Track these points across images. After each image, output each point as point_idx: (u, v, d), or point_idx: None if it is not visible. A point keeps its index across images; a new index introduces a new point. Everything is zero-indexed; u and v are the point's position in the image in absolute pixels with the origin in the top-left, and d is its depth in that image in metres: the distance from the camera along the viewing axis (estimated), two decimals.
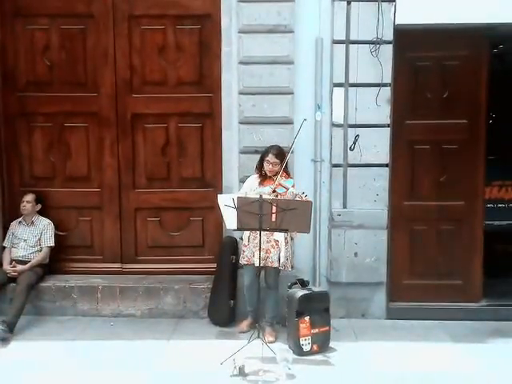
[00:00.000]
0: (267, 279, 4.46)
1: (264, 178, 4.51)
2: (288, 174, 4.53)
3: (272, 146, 4.53)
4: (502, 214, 6.46)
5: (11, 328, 4.51)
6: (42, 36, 5.15)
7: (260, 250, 4.24)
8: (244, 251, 4.55)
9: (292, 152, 4.52)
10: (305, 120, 4.52)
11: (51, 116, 5.23)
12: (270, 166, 4.44)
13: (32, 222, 5.09)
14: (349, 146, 4.81)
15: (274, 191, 4.34)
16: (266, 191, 4.33)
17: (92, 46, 5.14)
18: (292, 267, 4.55)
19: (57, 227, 5.20)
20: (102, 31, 5.11)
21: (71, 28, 5.14)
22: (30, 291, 4.82)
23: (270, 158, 4.43)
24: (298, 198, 4.25)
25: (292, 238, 4.53)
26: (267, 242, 4.37)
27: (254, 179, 4.57)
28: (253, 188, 4.49)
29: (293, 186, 4.41)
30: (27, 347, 4.37)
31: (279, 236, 4.36)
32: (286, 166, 4.48)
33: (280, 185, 4.37)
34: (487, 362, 4.12)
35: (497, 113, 6.32)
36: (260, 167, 4.53)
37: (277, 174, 4.41)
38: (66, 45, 5.15)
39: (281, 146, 4.55)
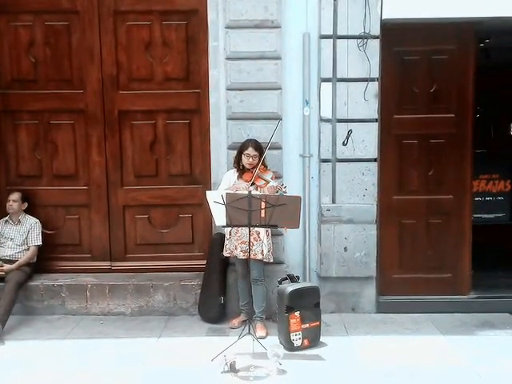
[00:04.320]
0: (252, 272, 4.47)
1: (242, 171, 4.54)
2: (266, 168, 4.55)
3: (250, 140, 4.58)
4: (490, 207, 6.53)
5: (1, 327, 4.46)
6: (26, 33, 5.09)
7: (249, 242, 4.26)
8: (226, 244, 4.60)
9: (271, 149, 4.54)
10: (279, 121, 4.65)
11: (37, 113, 5.18)
12: (250, 159, 4.47)
13: (19, 221, 5.04)
14: (342, 141, 4.81)
15: (252, 183, 4.38)
16: (244, 185, 4.41)
17: (77, 43, 5.09)
18: (273, 259, 4.61)
19: (44, 226, 5.16)
20: (87, 27, 5.06)
21: (56, 24, 5.08)
22: (19, 290, 4.77)
23: (250, 151, 4.47)
24: (278, 191, 4.27)
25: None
26: (250, 234, 4.37)
27: (232, 174, 4.61)
28: (232, 181, 4.53)
29: (272, 179, 4.44)
30: (17, 347, 4.33)
31: (260, 228, 4.37)
32: (264, 160, 4.51)
33: (259, 177, 4.41)
34: (476, 353, 4.15)
35: (484, 107, 6.37)
36: (238, 161, 4.56)
37: (255, 167, 4.44)
38: (50, 41, 5.10)
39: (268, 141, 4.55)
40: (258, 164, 4.46)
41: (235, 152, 4.65)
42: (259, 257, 4.47)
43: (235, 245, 4.53)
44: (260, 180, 4.45)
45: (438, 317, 4.85)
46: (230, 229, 4.49)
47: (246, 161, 4.50)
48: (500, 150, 6.61)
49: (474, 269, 5.16)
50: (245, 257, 4.45)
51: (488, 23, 4.77)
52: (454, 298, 5.05)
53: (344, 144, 4.81)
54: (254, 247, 4.43)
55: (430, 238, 5.09)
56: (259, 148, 4.50)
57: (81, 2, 5.03)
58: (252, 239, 4.36)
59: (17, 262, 4.91)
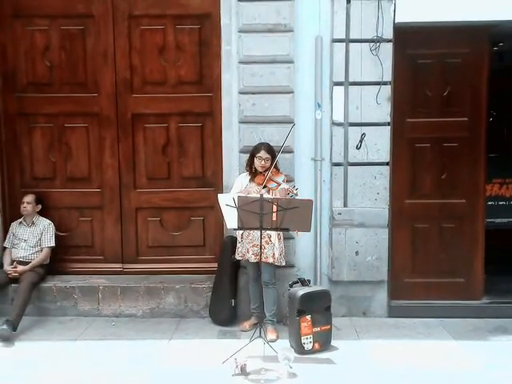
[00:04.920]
0: (263, 276, 4.48)
1: (254, 174, 4.55)
2: (278, 171, 4.56)
3: (262, 143, 4.61)
4: (503, 211, 6.46)
5: (15, 326, 4.51)
6: (41, 37, 5.16)
7: (260, 246, 4.28)
8: (238, 247, 4.62)
9: (283, 152, 4.54)
10: (294, 125, 4.65)
11: (52, 116, 5.24)
12: (263, 162, 4.48)
13: (32, 223, 5.09)
14: (354, 145, 4.80)
15: (264, 186, 4.39)
16: (256, 188, 4.42)
17: (92, 47, 5.15)
18: (285, 262, 4.61)
19: (57, 228, 5.20)
20: (102, 31, 5.12)
21: (71, 28, 5.15)
22: (32, 291, 4.82)
23: (262, 154, 4.48)
24: (289, 193, 4.27)
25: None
26: (261, 237, 4.37)
27: (244, 177, 4.63)
28: (244, 185, 4.55)
29: (284, 182, 4.45)
30: (30, 347, 4.38)
31: (271, 232, 4.37)
32: (277, 163, 4.52)
33: (271, 180, 4.42)
34: (489, 359, 4.12)
35: (497, 110, 6.31)
36: (250, 164, 4.57)
37: (267, 170, 4.45)
38: (65, 45, 5.16)
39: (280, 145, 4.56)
40: (270, 167, 4.47)
41: (247, 155, 4.67)
42: (270, 260, 4.48)
43: (247, 248, 4.54)
44: (272, 183, 4.46)
45: (451, 322, 4.81)
46: (241, 232, 4.51)
47: (258, 164, 4.51)
48: None
49: (486, 273, 5.12)
50: (256, 260, 4.46)
51: (502, 26, 4.74)
52: (466, 302, 5.02)
53: (358, 148, 4.80)
54: (265, 250, 4.44)
55: (442, 243, 5.06)
56: (271, 151, 4.52)
57: (96, 7, 5.09)
58: (263, 242, 4.37)
59: (30, 264, 4.96)
